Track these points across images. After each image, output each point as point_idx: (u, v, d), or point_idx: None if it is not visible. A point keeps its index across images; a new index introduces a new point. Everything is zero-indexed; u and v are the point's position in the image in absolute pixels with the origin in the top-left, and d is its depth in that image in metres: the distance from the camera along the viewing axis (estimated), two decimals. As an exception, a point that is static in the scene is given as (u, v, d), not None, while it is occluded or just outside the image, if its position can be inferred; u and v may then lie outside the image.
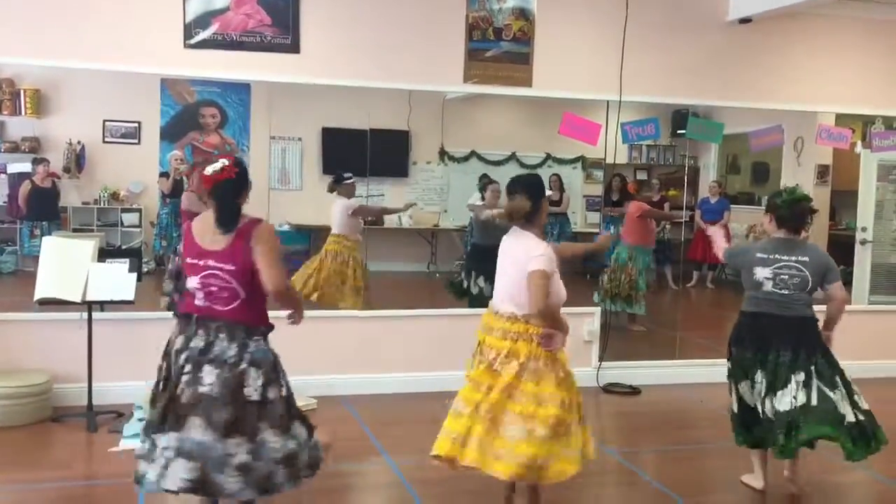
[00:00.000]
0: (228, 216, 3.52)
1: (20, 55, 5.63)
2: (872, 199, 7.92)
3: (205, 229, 3.53)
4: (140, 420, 5.27)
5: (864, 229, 7.93)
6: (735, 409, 4.47)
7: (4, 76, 7.67)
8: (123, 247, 8.01)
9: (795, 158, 8.87)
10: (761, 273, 4.33)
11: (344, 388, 5.98)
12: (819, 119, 7.33)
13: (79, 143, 8.05)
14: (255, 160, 7.92)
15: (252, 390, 3.41)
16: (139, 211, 8.40)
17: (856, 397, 4.29)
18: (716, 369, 6.75)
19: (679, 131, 8.70)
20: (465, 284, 7.27)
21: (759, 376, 4.32)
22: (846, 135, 7.08)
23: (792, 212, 4.35)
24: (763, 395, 4.28)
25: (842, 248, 8.09)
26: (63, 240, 5.75)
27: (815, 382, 4.22)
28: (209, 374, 3.42)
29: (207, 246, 3.50)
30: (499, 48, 6.31)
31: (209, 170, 3.57)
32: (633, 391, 6.51)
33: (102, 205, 8.32)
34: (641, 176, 9.86)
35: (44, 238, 5.64)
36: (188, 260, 3.54)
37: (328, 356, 6.02)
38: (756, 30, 6.75)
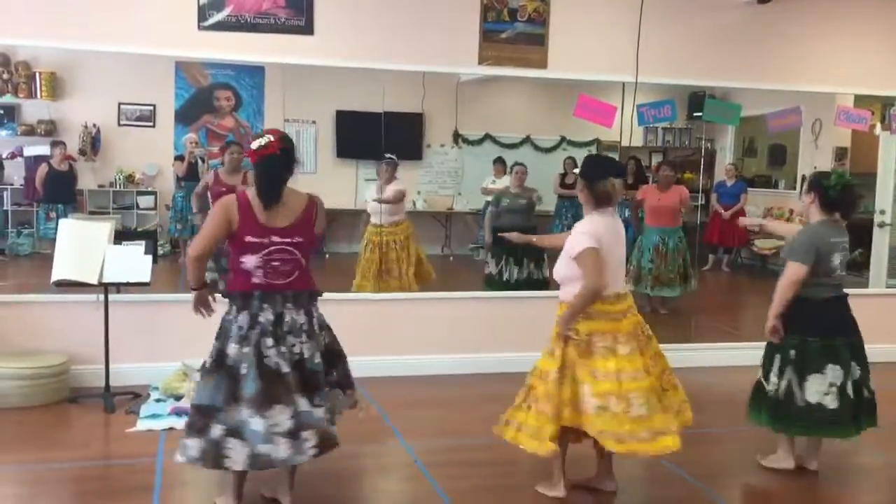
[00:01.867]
0: (272, 191, 3.60)
1: (36, 38, 5.63)
2: (891, 182, 7.84)
3: (259, 205, 3.60)
4: (157, 401, 5.31)
5: (882, 212, 7.86)
6: (781, 397, 4.34)
7: (20, 59, 7.70)
8: (139, 229, 8.04)
9: (813, 141, 8.78)
10: (837, 258, 4.32)
11: (359, 371, 5.93)
12: (838, 101, 7.25)
13: (94, 125, 8.07)
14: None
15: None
16: (154, 194, 8.43)
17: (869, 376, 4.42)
18: (731, 353, 6.78)
19: (695, 114, 8.63)
20: (499, 272, 7.30)
21: (846, 356, 4.30)
22: (865, 116, 7.00)
23: (845, 198, 4.30)
24: (845, 378, 4.27)
25: (860, 231, 8.02)
26: (79, 222, 5.77)
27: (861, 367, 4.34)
28: (293, 345, 3.59)
29: (271, 223, 3.59)
30: (513, 29, 6.27)
31: (254, 144, 3.65)
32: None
33: (118, 187, 8.35)
34: (657, 158, 9.79)
35: (60, 220, 5.66)
36: (248, 238, 3.57)
37: (343, 338, 5.98)
38: (774, 10, 6.66)
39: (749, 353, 6.80)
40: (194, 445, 3.54)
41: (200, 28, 5.74)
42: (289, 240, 3.60)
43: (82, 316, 5.49)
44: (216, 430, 3.50)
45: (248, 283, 3.59)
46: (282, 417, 3.48)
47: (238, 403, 3.50)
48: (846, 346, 4.33)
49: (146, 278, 5.35)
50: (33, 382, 5.23)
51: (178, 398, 5.27)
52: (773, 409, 4.39)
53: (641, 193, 8.15)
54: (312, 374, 3.61)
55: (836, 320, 4.34)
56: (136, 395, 5.41)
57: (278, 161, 3.60)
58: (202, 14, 5.73)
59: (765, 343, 4.52)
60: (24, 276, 7.90)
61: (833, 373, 4.26)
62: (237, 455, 3.48)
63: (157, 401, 5.33)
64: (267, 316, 3.57)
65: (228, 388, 3.52)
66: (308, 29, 5.90)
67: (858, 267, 7.43)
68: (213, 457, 3.51)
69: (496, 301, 6.66)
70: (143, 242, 5.55)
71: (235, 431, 3.48)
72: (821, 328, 4.29)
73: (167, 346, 5.71)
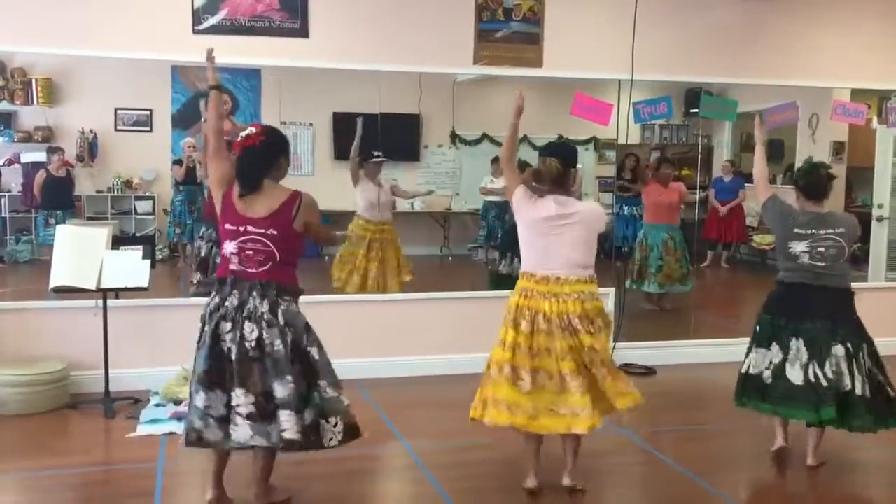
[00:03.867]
0: (245, 180, 3.69)
1: (31, 44, 5.64)
2: (889, 176, 7.84)
3: (237, 196, 3.69)
4: (157, 406, 5.31)
5: (880, 206, 7.86)
6: (743, 370, 4.59)
7: (16, 65, 7.69)
8: (137, 234, 8.04)
9: (810, 135, 8.78)
10: (797, 247, 4.41)
11: (359, 372, 5.98)
12: (834, 95, 7.24)
13: (91, 131, 8.07)
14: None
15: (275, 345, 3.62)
16: (152, 198, 8.42)
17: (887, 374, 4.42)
18: (731, 349, 6.75)
19: (692, 110, 8.63)
20: (506, 268, 7.31)
21: (793, 343, 4.39)
22: (862, 110, 6.99)
23: (809, 180, 4.46)
24: (805, 361, 4.34)
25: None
26: (77, 228, 5.77)
27: (845, 360, 4.32)
28: (251, 331, 3.61)
29: (246, 212, 3.67)
30: (509, 28, 6.27)
31: (240, 136, 3.74)
32: (649, 371, 6.49)
33: (116, 193, 8.34)
34: (655, 155, 9.78)
35: (58, 226, 5.66)
36: (227, 226, 3.70)
37: (342, 340, 5.97)
38: (770, 5, 6.66)
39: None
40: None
41: (195, 32, 5.74)
42: (262, 230, 3.64)
43: (81, 322, 5.49)
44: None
45: (226, 269, 3.72)
46: (218, 402, 3.61)
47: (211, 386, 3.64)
48: (801, 330, 4.39)
49: (145, 283, 5.35)
50: (33, 389, 5.23)
51: (178, 403, 5.26)
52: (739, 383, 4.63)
53: (646, 191, 8.15)
54: (274, 361, 3.60)
55: (798, 304, 4.43)
56: (136, 401, 5.41)
57: (257, 151, 3.68)
58: (197, 18, 5.73)
59: None
60: (23, 283, 7.90)
61: (775, 351, 4.45)
62: (185, 426, 3.71)
63: (157, 406, 5.33)
64: (233, 301, 3.65)
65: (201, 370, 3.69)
66: (303, 31, 5.91)
67: (857, 261, 7.42)
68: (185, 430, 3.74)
69: (495, 300, 6.63)
70: (142, 247, 5.53)
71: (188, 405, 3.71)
72: (777, 308, 4.50)
73: (166, 350, 5.70)
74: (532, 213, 4.04)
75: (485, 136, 9.32)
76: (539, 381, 3.91)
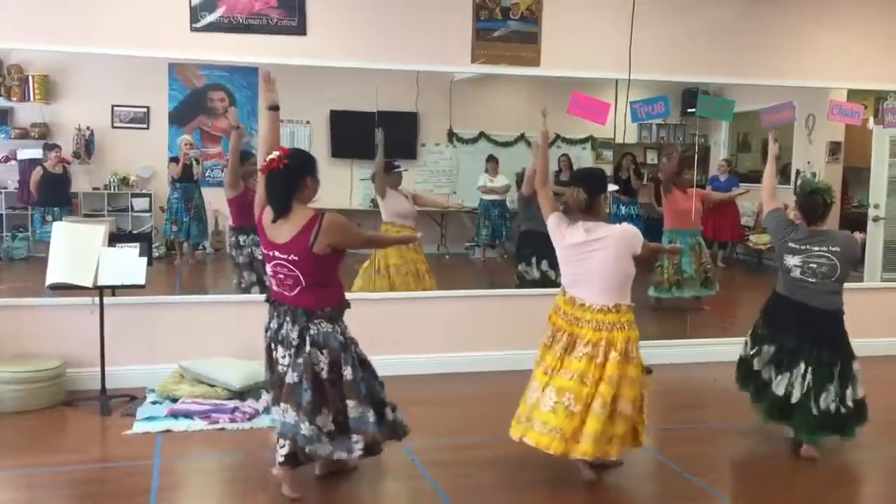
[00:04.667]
0: (274, 205, 3.74)
1: (28, 41, 5.63)
2: (885, 176, 7.85)
3: (269, 219, 3.77)
4: (154, 403, 5.30)
5: (876, 206, 7.87)
6: (742, 354, 4.89)
7: (12, 62, 7.67)
8: (134, 231, 8.02)
9: (807, 136, 8.79)
10: (791, 261, 4.56)
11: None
12: (831, 95, 7.25)
13: (88, 128, 8.04)
14: (263, 144, 7.90)
15: (320, 369, 3.75)
16: (149, 196, 8.40)
17: (847, 391, 4.52)
18: (727, 348, 6.76)
19: (689, 109, 8.63)
20: (527, 271, 7.31)
21: (770, 350, 4.67)
22: (858, 111, 6.99)
23: (805, 203, 4.61)
24: (775, 369, 4.64)
25: (854, 225, 8.01)
26: (74, 225, 5.76)
27: (808, 378, 4.51)
28: (282, 357, 3.78)
29: (273, 238, 3.74)
30: (506, 27, 6.27)
31: (266, 159, 3.78)
32: (646, 371, 6.48)
33: (113, 190, 8.32)
34: (651, 155, 9.80)
35: (54, 223, 5.66)
36: (263, 250, 3.86)
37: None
38: (767, 5, 6.68)
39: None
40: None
41: (193, 29, 5.73)
42: (285, 256, 3.70)
43: (78, 319, 5.48)
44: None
45: (272, 290, 3.88)
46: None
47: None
48: (771, 338, 4.69)
49: (141, 281, 5.35)
50: (29, 386, 5.22)
51: (175, 400, 5.27)
52: (739, 368, 4.96)
53: (668, 198, 8.09)
54: (291, 388, 3.77)
55: (781, 318, 4.65)
56: (133, 398, 5.40)
57: (280, 174, 3.69)
58: (194, 15, 5.72)
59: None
60: (19, 280, 7.87)
61: (766, 351, 4.71)
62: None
63: (154, 403, 5.32)
64: (273, 324, 3.83)
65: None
66: (301, 29, 5.90)
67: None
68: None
69: (493, 299, 6.67)
70: (138, 245, 5.53)
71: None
72: (767, 316, 4.76)
73: (163, 348, 5.71)
74: (563, 241, 4.17)
75: (482, 135, 9.31)
76: (563, 403, 3.99)
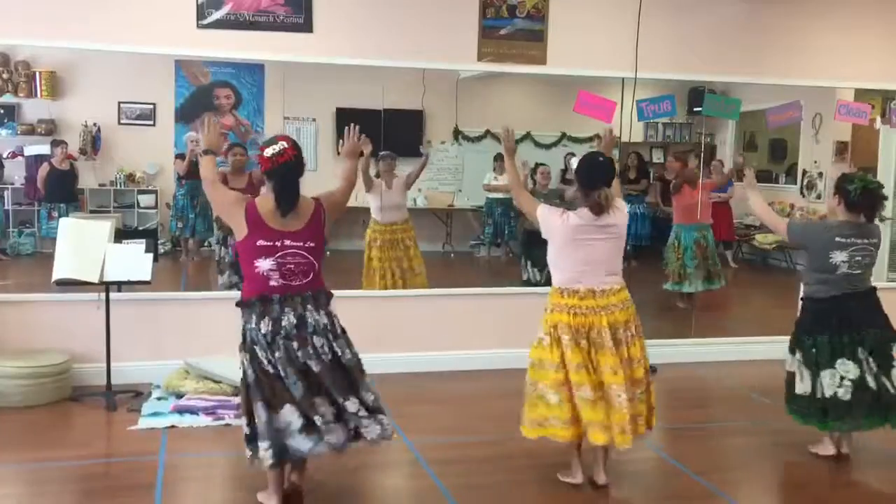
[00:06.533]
0: (289, 199, 3.64)
1: (35, 37, 5.64)
2: (892, 176, 7.83)
3: (272, 211, 3.63)
4: (159, 399, 5.32)
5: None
6: (818, 395, 4.49)
7: (20, 58, 7.70)
8: (140, 228, 8.05)
9: (813, 135, 8.77)
10: (838, 257, 4.45)
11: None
12: (838, 95, 7.23)
13: (94, 125, 8.08)
14: (269, 141, 7.92)
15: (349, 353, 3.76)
16: (155, 192, 8.43)
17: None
18: (731, 348, 6.80)
19: (695, 108, 8.61)
20: (533, 276, 7.36)
21: (861, 353, 4.43)
22: (865, 110, 6.98)
23: (865, 200, 4.47)
24: (876, 370, 4.43)
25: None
26: (80, 221, 5.78)
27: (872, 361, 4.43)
28: (321, 345, 3.65)
29: (284, 228, 3.63)
30: (513, 25, 6.26)
31: (268, 152, 3.67)
32: (651, 370, 6.48)
33: (119, 186, 8.35)
34: (657, 153, 9.78)
35: (61, 219, 5.67)
36: (259, 242, 3.62)
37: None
38: (774, 4, 6.65)
39: (749, 349, 6.85)
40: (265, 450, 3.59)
41: (199, 26, 5.74)
42: (300, 243, 3.65)
43: (84, 314, 5.50)
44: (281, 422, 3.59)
45: (266, 287, 3.64)
46: (324, 408, 3.60)
47: (285, 404, 3.57)
48: (857, 341, 4.45)
49: (147, 277, 5.36)
50: (35, 381, 5.24)
51: (180, 396, 5.28)
52: (801, 405, 4.56)
53: (677, 194, 8.10)
54: (349, 369, 3.70)
55: (844, 317, 4.46)
56: (138, 394, 5.42)
57: (292, 167, 3.65)
58: (201, 12, 5.73)
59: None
60: (25, 276, 7.91)
61: (843, 367, 4.42)
62: (301, 445, 3.59)
63: (159, 399, 5.34)
64: (289, 319, 3.62)
65: (274, 392, 3.59)
66: (307, 26, 5.91)
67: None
68: (279, 451, 3.60)
69: (497, 297, 6.66)
70: (144, 241, 5.55)
71: (290, 430, 3.58)
72: (829, 326, 4.47)
73: (168, 344, 5.72)
74: (565, 224, 4.03)
75: (488, 133, 9.31)
76: (596, 395, 3.97)
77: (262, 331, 3.61)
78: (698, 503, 4.15)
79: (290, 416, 3.55)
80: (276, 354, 3.59)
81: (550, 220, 4.08)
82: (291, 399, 3.56)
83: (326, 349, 3.65)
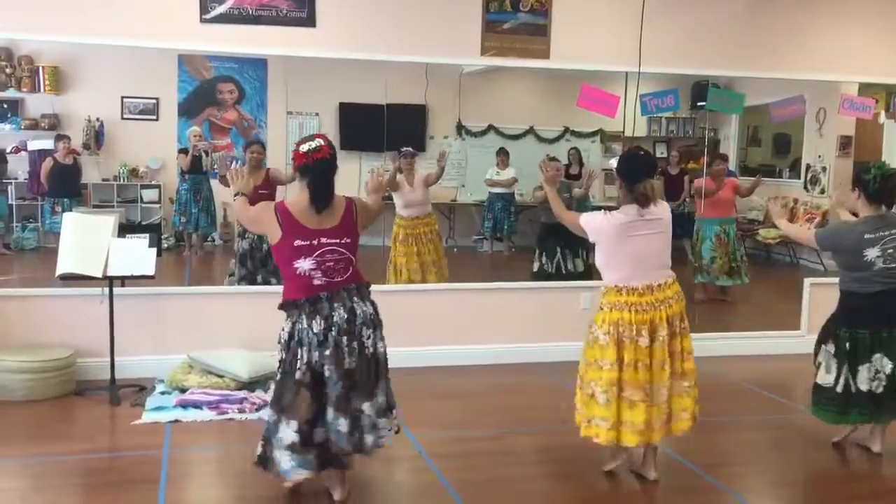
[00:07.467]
0: (324, 195, 3.67)
1: (38, 32, 5.63)
2: (896, 171, 7.80)
3: (305, 210, 3.66)
4: (163, 393, 5.32)
5: (887, 201, 7.82)
6: (839, 389, 4.49)
7: (23, 53, 7.70)
8: (143, 222, 8.05)
9: (817, 130, 8.75)
10: (872, 253, 4.38)
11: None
12: (842, 89, 7.22)
13: (97, 119, 8.08)
14: (272, 136, 7.93)
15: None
16: (158, 187, 8.43)
17: None
18: (733, 342, 6.79)
19: (699, 103, 8.60)
20: (547, 266, 7.36)
21: (874, 359, 4.43)
22: (869, 105, 6.97)
23: (884, 187, 4.40)
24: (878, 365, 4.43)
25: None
26: (84, 216, 5.79)
27: None
28: (368, 336, 3.69)
29: (320, 225, 3.66)
30: (516, 20, 6.25)
31: (304, 147, 3.69)
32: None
33: (122, 181, 8.36)
34: (661, 148, 9.77)
35: (64, 214, 5.68)
36: (297, 243, 3.62)
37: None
38: (778, -2, 6.65)
39: (756, 343, 6.85)
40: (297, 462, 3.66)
41: (202, 21, 5.73)
42: (337, 240, 3.66)
43: (87, 309, 5.51)
44: (319, 435, 3.67)
45: (312, 287, 3.64)
46: (366, 406, 3.67)
47: (292, 420, 3.62)
48: (888, 338, 4.44)
49: (151, 271, 5.36)
50: (39, 376, 5.25)
51: (184, 391, 5.29)
52: (832, 403, 4.54)
53: (697, 186, 8.11)
54: (377, 363, 3.73)
55: (885, 313, 4.43)
56: (142, 388, 5.43)
57: (328, 164, 3.68)
58: (204, 7, 5.72)
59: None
60: (29, 271, 7.92)
61: (880, 361, 4.43)
62: (283, 463, 3.67)
63: (163, 393, 5.35)
64: (340, 314, 3.63)
65: (315, 395, 3.64)
66: (310, 21, 5.90)
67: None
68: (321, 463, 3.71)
69: (501, 292, 6.66)
70: (148, 235, 5.55)
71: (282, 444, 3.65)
72: (869, 321, 4.45)
73: (172, 338, 5.73)
74: (612, 224, 4.02)
75: (491, 128, 9.31)
76: (640, 397, 4.00)
77: (315, 330, 3.61)
78: (704, 498, 4.14)
79: (286, 430, 3.63)
80: (326, 353, 3.60)
81: (595, 223, 4.08)
82: (303, 415, 3.61)
83: (370, 342, 3.69)
